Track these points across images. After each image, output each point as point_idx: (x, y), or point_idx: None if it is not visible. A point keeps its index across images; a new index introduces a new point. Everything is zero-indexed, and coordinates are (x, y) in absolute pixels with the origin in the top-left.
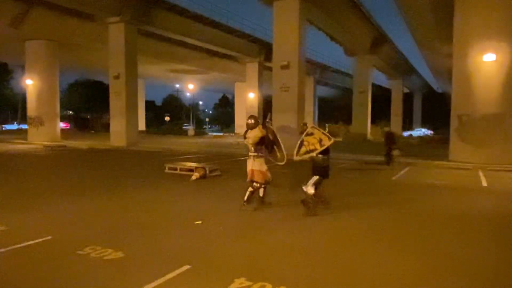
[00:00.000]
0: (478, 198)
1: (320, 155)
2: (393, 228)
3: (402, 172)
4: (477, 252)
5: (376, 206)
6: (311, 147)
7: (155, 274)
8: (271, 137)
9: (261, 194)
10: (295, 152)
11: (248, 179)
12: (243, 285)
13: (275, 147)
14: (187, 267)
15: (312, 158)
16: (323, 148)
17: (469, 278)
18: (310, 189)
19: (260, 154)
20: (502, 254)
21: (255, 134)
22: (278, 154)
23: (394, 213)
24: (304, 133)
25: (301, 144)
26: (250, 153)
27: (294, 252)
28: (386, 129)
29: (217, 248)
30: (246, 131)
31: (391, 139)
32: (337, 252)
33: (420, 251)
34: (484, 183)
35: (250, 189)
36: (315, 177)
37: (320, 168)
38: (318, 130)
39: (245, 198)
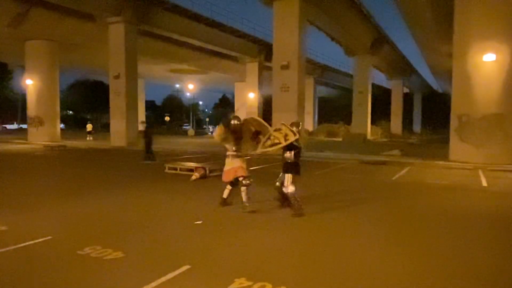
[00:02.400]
0: (478, 198)
1: (290, 152)
2: (392, 227)
3: (402, 172)
4: (476, 252)
5: (376, 206)
6: (276, 141)
7: (155, 274)
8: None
9: (225, 195)
10: (260, 145)
11: (230, 179)
12: (243, 285)
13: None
14: (187, 267)
15: (283, 156)
16: (287, 142)
17: (468, 278)
18: (290, 188)
19: (239, 153)
20: (502, 254)
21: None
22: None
23: (393, 213)
24: (273, 129)
25: (267, 139)
26: (229, 152)
27: (294, 252)
28: (142, 126)
29: (217, 248)
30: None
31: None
32: (337, 251)
33: (420, 251)
34: (484, 183)
35: (243, 188)
36: (289, 175)
37: (291, 165)
38: (286, 126)
39: (244, 199)
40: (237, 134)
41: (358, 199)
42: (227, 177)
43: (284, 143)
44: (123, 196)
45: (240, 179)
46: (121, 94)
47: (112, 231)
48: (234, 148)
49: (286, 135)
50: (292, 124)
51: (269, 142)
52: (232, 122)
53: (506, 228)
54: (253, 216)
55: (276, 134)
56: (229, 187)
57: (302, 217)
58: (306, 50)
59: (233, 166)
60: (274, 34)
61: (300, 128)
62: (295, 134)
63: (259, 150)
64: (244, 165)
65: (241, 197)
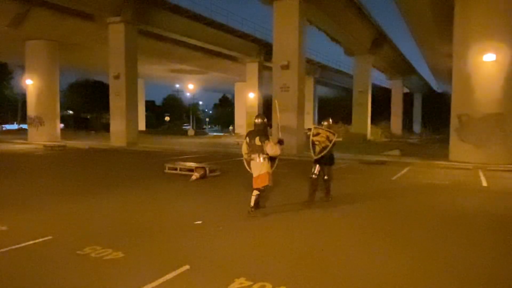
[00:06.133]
0: (478, 198)
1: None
2: (392, 227)
3: (402, 172)
4: (476, 252)
5: (376, 206)
6: (323, 145)
7: (155, 274)
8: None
9: (252, 203)
10: (312, 153)
11: (266, 184)
12: (243, 285)
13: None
14: (187, 267)
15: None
16: (332, 143)
17: (467, 278)
18: (330, 177)
19: (267, 155)
20: (501, 254)
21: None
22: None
23: (393, 213)
24: (311, 134)
25: (314, 145)
26: (261, 155)
27: (294, 252)
28: None
29: (217, 248)
30: (256, 134)
31: None
32: (337, 251)
33: (419, 251)
34: (484, 183)
35: (256, 192)
36: (331, 167)
37: (331, 158)
38: (322, 129)
39: (252, 203)
40: (267, 135)
41: (358, 199)
42: (265, 182)
43: (330, 144)
44: (123, 196)
45: (261, 188)
46: (121, 94)
47: (112, 231)
48: (265, 151)
49: (328, 137)
50: (326, 123)
51: (317, 149)
52: (257, 120)
53: (506, 228)
54: (253, 216)
55: (318, 139)
56: (256, 191)
57: (302, 217)
58: (306, 50)
59: (260, 173)
60: (274, 34)
61: (330, 122)
62: (334, 134)
63: (316, 157)
64: (271, 170)
65: (250, 202)
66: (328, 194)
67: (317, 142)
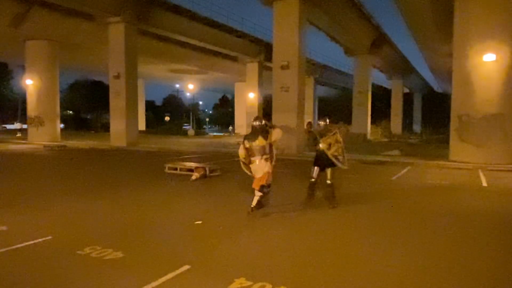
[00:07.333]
0: (478, 198)
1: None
2: (392, 227)
3: (402, 172)
4: (476, 252)
5: (375, 206)
6: (339, 151)
7: (155, 274)
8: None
9: (255, 203)
10: (340, 164)
11: (267, 182)
12: (243, 285)
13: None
14: (187, 267)
15: (321, 152)
16: (343, 144)
17: (468, 278)
18: (333, 181)
19: (271, 154)
20: (501, 254)
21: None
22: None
23: (393, 213)
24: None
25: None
26: (263, 156)
27: (294, 252)
28: None
29: (217, 248)
30: (255, 135)
31: None
32: (336, 251)
33: (419, 251)
34: (484, 183)
35: (259, 193)
36: (332, 169)
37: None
38: (328, 137)
39: (254, 204)
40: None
41: (358, 199)
42: (266, 181)
43: (342, 146)
44: (123, 196)
45: (265, 189)
46: (121, 94)
47: (112, 231)
48: (267, 150)
49: (336, 141)
50: (323, 123)
51: (333, 150)
52: (255, 123)
53: (506, 228)
54: (253, 216)
55: (331, 151)
56: (259, 193)
57: (302, 217)
58: (306, 50)
59: (264, 172)
60: (274, 34)
61: (327, 122)
62: (338, 134)
63: (344, 167)
64: (271, 170)
65: (252, 202)
66: (333, 201)
67: (332, 154)
